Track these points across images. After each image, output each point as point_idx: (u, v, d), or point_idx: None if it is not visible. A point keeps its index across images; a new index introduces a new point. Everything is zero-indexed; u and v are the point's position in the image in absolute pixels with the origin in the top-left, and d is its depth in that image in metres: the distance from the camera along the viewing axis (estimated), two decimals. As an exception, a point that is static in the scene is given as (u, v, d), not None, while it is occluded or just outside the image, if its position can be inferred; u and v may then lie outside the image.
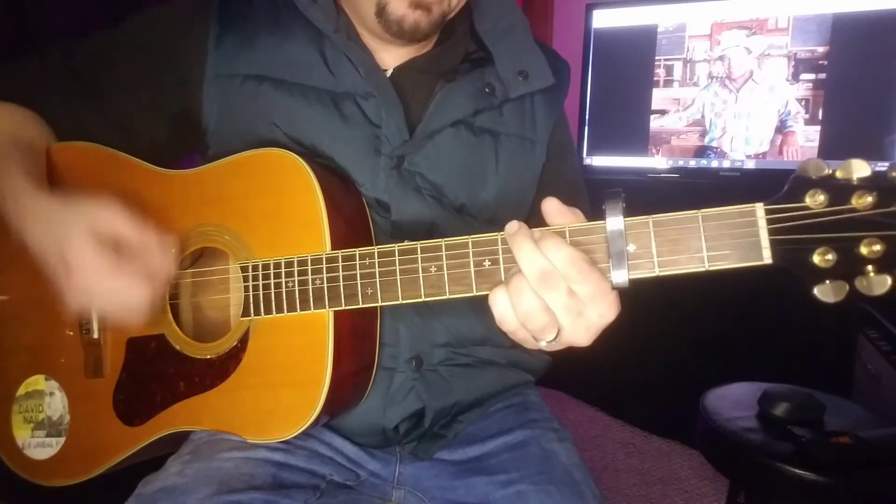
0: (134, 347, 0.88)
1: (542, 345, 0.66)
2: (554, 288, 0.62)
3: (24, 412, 0.93)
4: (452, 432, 0.96)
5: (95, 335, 0.89)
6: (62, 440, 0.91)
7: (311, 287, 0.78)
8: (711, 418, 1.60)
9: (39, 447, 0.92)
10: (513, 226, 0.66)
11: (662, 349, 2.36)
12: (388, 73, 0.94)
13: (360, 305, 0.76)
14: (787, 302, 1.95)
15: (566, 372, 0.90)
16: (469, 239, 0.71)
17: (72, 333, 0.91)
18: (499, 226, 0.96)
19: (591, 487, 0.90)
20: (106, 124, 0.94)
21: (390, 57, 0.94)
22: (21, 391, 0.93)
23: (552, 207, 0.67)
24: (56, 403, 0.91)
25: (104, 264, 0.74)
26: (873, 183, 0.58)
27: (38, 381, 0.92)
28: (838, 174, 0.59)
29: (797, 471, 1.39)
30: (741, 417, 1.58)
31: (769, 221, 0.61)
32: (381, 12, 0.87)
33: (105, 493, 0.92)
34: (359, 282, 0.76)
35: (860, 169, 0.58)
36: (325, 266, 0.77)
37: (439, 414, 0.93)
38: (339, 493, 0.87)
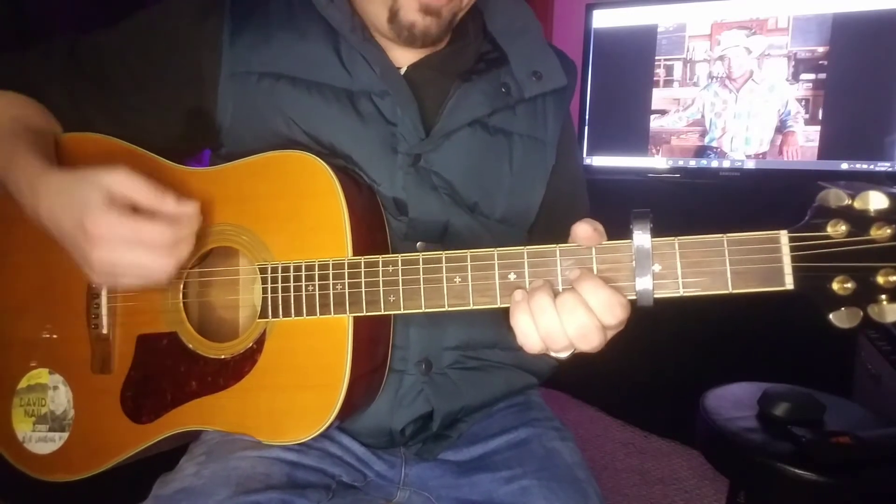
0: (144, 344, 0.87)
1: (556, 356, 0.71)
2: (590, 338, 0.67)
3: (26, 405, 0.92)
4: (457, 433, 0.96)
5: (104, 330, 0.89)
6: (66, 435, 0.90)
7: (332, 292, 0.78)
8: (711, 418, 1.60)
9: (41, 441, 0.91)
10: (574, 272, 0.68)
11: (662, 349, 2.36)
12: (403, 72, 0.94)
13: (382, 312, 0.76)
14: (788, 302, 1.95)
15: (567, 372, 0.91)
16: (495, 251, 0.72)
17: (78, 328, 0.90)
18: (510, 224, 0.98)
19: (594, 486, 0.90)
20: (113, 121, 0.93)
21: (404, 56, 0.94)
22: (22, 384, 0.92)
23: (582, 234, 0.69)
24: (60, 398, 0.91)
25: (125, 230, 0.72)
26: (892, 215, 0.61)
27: (41, 375, 0.92)
28: (856, 205, 0.62)
29: (797, 471, 1.38)
30: (741, 417, 1.58)
31: (793, 248, 0.63)
32: (392, 18, 0.87)
33: (109, 492, 0.92)
34: (381, 289, 0.76)
35: (877, 201, 0.61)
36: (346, 272, 0.78)
37: (447, 417, 0.94)
38: (346, 494, 0.87)
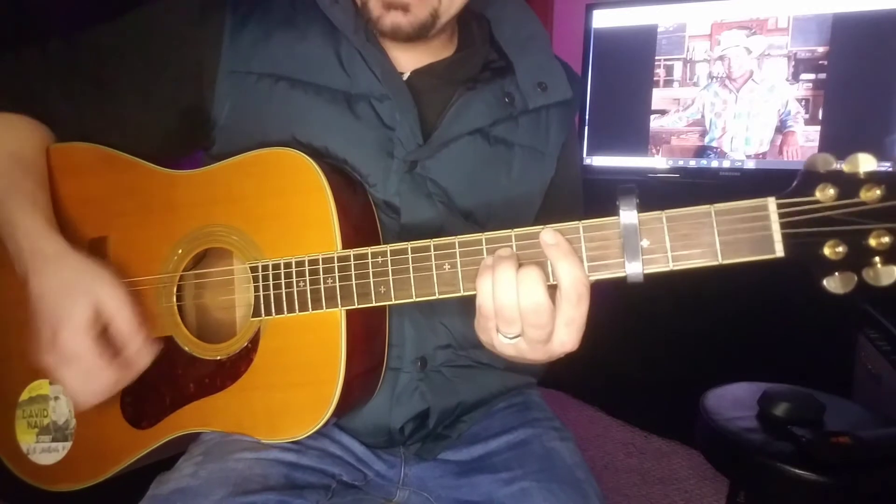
0: None
1: (502, 340, 0.70)
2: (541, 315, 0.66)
3: (28, 417, 0.92)
4: (456, 433, 0.96)
5: None
6: (69, 444, 0.90)
7: (322, 286, 0.78)
8: (711, 418, 1.60)
9: (45, 452, 0.91)
10: (549, 236, 0.68)
11: (662, 349, 2.36)
12: (405, 76, 0.93)
13: (374, 304, 0.76)
14: (788, 302, 1.96)
15: (566, 372, 0.90)
16: (483, 236, 0.71)
17: None
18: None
19: (594, 486, 0.90)
20: (110, 120, 0.92)
21: (408, 60, 0.93)
22: (24, 396, 0.92)
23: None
24: (61, 408, 0.90)
25: (87, 359, 0.77)
26: (881, 176, 0.60)
27: (41, 386, 0.91)
28: (845, 168, 0.61)
29: (797, 471, 1.39)
30: (741, 417, 1.58)
31: (781, 215, 0.62)
32: (363, 11, 0.87)
33: (108, 493, 0.92)
34: (371, 281, 0.76)
35: (866, 163, 0.60)
36: (336, 265, 0.77)
37: (444, 415, 0.93)
38: (347, 493, 0.87)
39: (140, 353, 0.80)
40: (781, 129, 2.23)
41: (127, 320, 0.79)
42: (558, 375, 1.04)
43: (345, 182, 0.85)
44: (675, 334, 2.31)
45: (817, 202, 0.61)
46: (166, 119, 0.93)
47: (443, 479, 0.93)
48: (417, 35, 0.86)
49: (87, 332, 0.76)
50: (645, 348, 2.40)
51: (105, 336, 0.79)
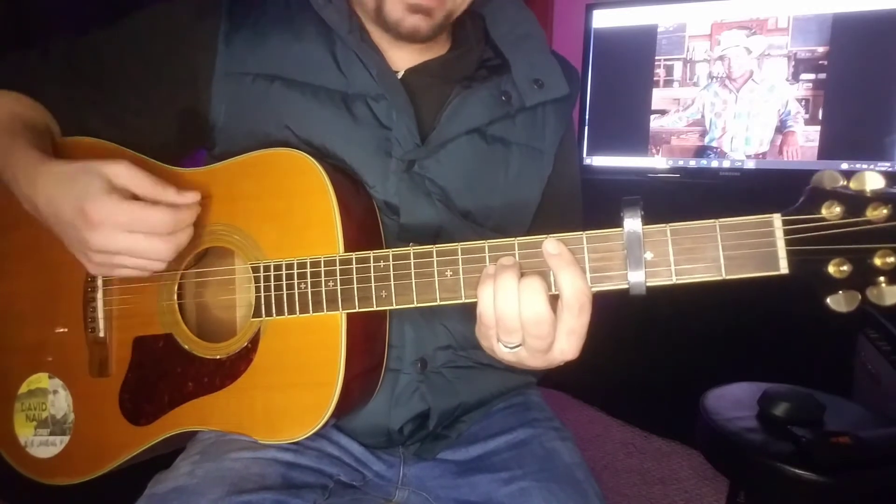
0: (141, 346, 0.87)
1: (502, 349, 0.71)
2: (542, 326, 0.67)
3: (27, 410, 0.92)
4: (456, 433, 0.96)
5: (101, 334, 0.89)
6: (66, 438, 0.90)
7: (324, 289, 0.78)
8: (711, 418, 1.60)
9: (43, 445, 0.91)
10: (551, 245, 0.68)
11: (662, 349, 2.36)
12: (400, 75, 0.93)
13: (374, 308, 0.76)
14: (787, 302, 1.96)
15: (566, 372, 0.90)
16: (486, 243, 0.71)
17: (75, 332, 0.90)
18: (504, 233, 0.96)
19: (593, 486, 0.90)
20: (109, 122, 0.93)
21: (402, 59, 0.93)
22: (23, 389, 0.92)
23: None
24: (60, 402, 0.91)
25: (125, 215, 0.73)
26: (888, 195, 0.59)
27: (41, 380, 0.92)
28: (852, 185, 0.61)
29: (797, 471, 1.39)
30: (741, 417, 1.58)
31: (786, 232, 0.62)
32: (378, 12, 0.87)
33: (106, 491, 0.92)
34: (373, 285, 0.76)
35: (873, 181, 0.60)
36: (338, 268, 0.77)
37: (444, 415, 0.93)
38: (345, 493, 0.87)
39: (183, 201, 0.78)
40: (781, 129, 2.22)
41: (146, 179, 0.76)
42: (558, 376, 1.04)
43: (347, 183, 0.85)
44: (676, 334, 2.30)
45: (823, 220, 0.61)
46: (165, 120, 0.93)
47: (442, 478, 0.93)
48: (432, 36, 0.87)
49: (111, 193, 0.73)
50: (645, 348, 2.40)
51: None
